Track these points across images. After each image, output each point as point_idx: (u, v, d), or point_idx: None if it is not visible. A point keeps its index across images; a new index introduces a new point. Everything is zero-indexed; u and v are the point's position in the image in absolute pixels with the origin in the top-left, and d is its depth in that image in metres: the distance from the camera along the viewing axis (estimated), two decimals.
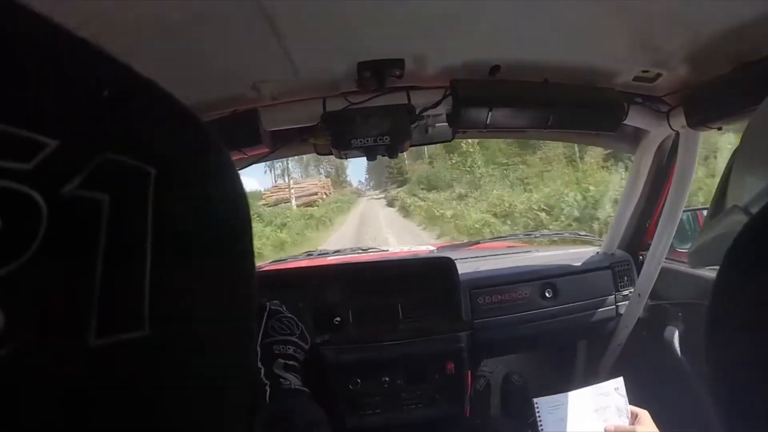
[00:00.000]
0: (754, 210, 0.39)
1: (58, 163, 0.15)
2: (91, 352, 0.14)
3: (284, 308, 0.79)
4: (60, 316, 0.14)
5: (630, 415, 0.92)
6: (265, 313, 0.74)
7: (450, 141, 1.09)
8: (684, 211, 1.14)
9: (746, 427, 0.25)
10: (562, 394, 0.96)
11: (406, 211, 16.47)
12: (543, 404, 0.96)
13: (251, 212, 0.23)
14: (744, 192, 0.42)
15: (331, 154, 1.03)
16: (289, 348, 0.72)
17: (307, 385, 0.72)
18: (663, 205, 1.18)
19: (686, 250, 1.19)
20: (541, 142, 8.71)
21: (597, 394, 0.96)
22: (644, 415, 0.89)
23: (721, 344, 0.27)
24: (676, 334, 1.18)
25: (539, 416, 0.95)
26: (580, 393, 0.96)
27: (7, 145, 0.14)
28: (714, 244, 0.46)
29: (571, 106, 0.93)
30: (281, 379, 0.68)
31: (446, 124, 1.00)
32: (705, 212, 0.75)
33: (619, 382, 0.97)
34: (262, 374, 0.67)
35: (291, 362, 0.71)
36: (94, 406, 0.14)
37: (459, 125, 0.97)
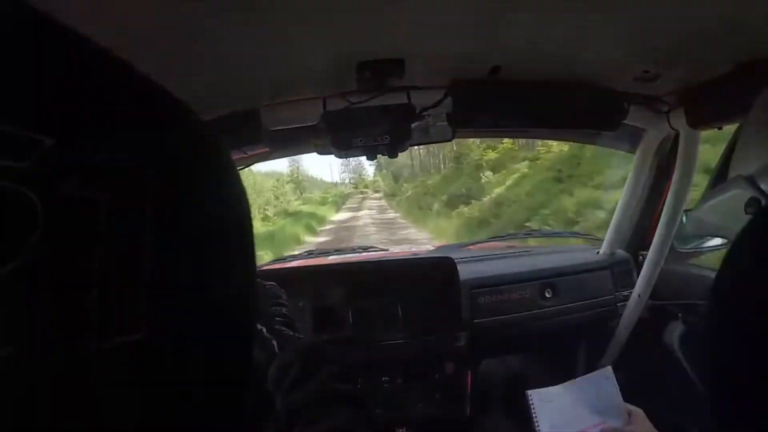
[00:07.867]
0: (760, 182, 0.39)
1: (55, 162, 0.14)
2: (90, 354, 0.14)
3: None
4: (58, 318, 0.14)
5: (623, 410, 0.91)
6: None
7: (450, 140, 1.09)
8: (684, 211, 1.14)
9: (745, 428, 0.25)
10: (554, 386, 0.96)
11: None
12: (536, 396, 0.96)
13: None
14: (750, 162, 0.41)
15: (332, 153, 1.03)
16: (282, 309, 0.73)
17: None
18: (663, 205, 1.17)
19: (687, 251, 1.19)
20: None
21: (588, 384, 0.96)
22: (639, 413, 0.88)
23: (721, 346, 0.27)
24: (676, 334, 1.18)
25: (533, 408, 0.95)
26: (573, 384, 0.97)
27: (3, 144, 0.14)
28: (714, 213, 0.45)
29: (571, 106, 0.93)
30: (283, 331, 0.68)
31: (446, 123, 1.00)
32: None
33: (608, 372, 0.97)
34: (265, 332, 0.67)
35: (286, 320, 0.73)
36: (92, 409, 0.14)
37: (459, 125, 0.97)
